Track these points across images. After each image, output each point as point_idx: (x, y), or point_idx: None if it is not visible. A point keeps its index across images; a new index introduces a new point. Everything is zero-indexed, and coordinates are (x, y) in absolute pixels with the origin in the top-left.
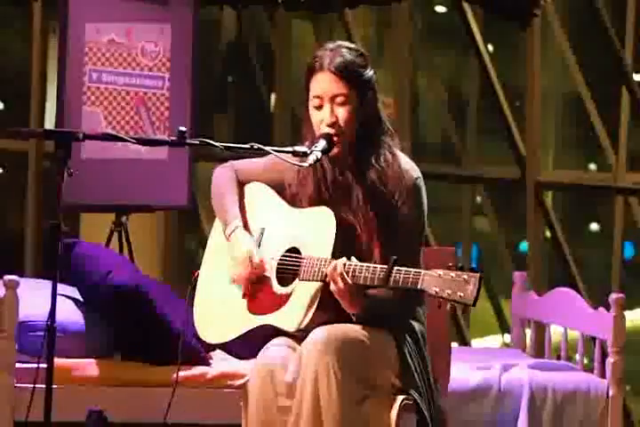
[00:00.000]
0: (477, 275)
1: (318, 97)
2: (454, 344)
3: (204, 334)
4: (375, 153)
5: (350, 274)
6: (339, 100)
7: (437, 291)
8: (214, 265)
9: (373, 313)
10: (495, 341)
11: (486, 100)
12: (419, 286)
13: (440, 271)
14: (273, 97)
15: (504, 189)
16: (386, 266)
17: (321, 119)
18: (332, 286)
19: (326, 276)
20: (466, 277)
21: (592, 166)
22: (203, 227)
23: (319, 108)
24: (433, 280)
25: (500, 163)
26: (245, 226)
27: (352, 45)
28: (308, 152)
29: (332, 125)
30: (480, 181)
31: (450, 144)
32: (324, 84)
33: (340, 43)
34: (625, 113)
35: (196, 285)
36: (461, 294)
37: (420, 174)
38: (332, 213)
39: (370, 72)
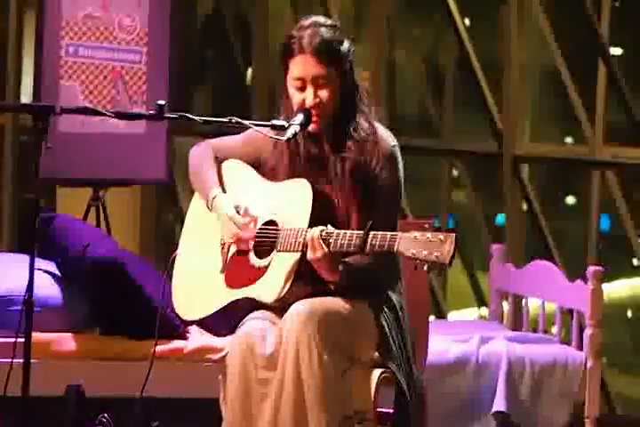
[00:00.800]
0: (453, 234)
1: (300, 79)
2: (431, 317)
3: (182, 311)
4: (352, 123)
5: (327, 241)
6: (321, 81)
7: (414, 253)
8: (192, 242)
9: (352, 281)
10: (472, 313)
11: (463, 73)
12: (395, 249)
13: (416, 233)
14: (250, 70)
15: (481, 161)
16: (361, 232)
17: (303, 99)
18: (310, 254)
19: (304, 246)
20: (442, 237)
21: (569, 139)
22: (180, 201)
23: (301, 89)
24: (409, 242)
25: (477, 136)
26: None
27: (327, 21)
28: (287, 126)
29: (314, 106)
30: (457, 154)
31: (428, 117)
32: (305, 66)
33: (314, 19)
34: (601, 86)
35: (173, 264)
36: (437, 255)
37: (396, 142)
38: (308, 184)
39: (346, 45)
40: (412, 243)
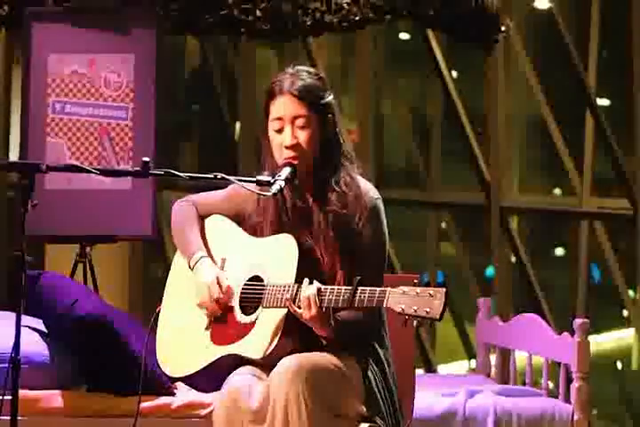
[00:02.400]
0: (443, 289)
1: (279, 119)
2: (420, 371)
3: (167, 367)
4: (335, 176)
5: (320, 297)
6: (299, 122)
7: (403, 308)
8: (176, 297)
9: (343, 336)
10: (461, 366)
11: (450, 126)
12: (384, 305)
13: (405, 288)
14: (238, 125)
15: (469, 213)
16: (350, 287)
17: (281, 142)
18: (305, 313)
19: (291, 302)
20: (431, 292)
21: (557, 191)
22: (169, 256)
23: (279, 131)
24: (398, 297)
25: (464, 188)
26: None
27: (311, 69)
28: (272, 181)
29: (291, 148)
30: (445, 206)
31: (415, 168)
32: (284, 106)
33: (298, 67)
34: (589, 137)
35: (157, 318)
36: (427, 310)
37: (379, 195)
38: (293, 239)
39: (329, 96)
40: (401, 298)
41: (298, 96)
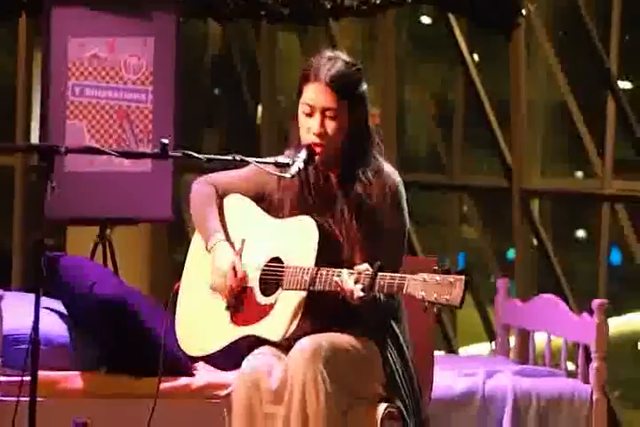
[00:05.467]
0: (463, 277)
1: (309, 105)
2: (441, 352)
3: (187, 347)
4: (363, 166)
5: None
6: (329, 113)
7: (424, 295)
8: (196, 277)
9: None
10: (483, 349)
11: (473, 110)
12: (404, 291)
13: (425, 275)
14: (260, 110)
15: (491, 197)
16: (370, 272)
17: (309, 127)
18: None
19: (310, 284)
20: (452, 279)
21: (578, 174)
22: (189, 238)
23: (309, 115)
24: (418, 284)
25: (486, 172)
26: (226, 239)
27: (349, 59)
28: (290, 163)
29: (319, 136)
30: (467, 189)
31: (437, 154)
32: (316, 94)
33: (338, 53)
34: (611, 120)
35: (176, 298)
36: (447, 297)
37: (400, 179)
38: (313, 222)
39: (364, 86)
40: (421, 285)
41: (331, 86)
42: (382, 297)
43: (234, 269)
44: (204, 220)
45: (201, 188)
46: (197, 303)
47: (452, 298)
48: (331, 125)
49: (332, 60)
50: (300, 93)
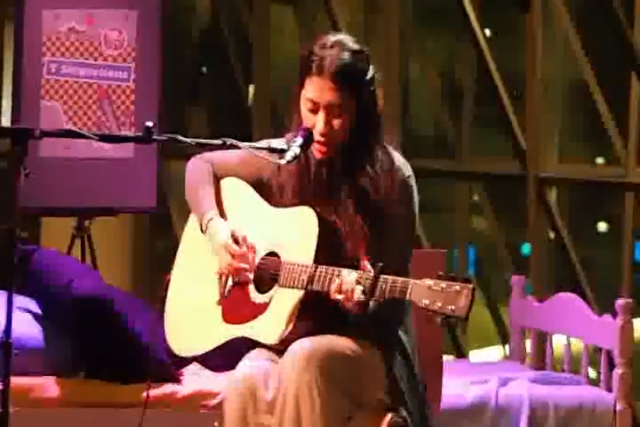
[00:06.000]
0: (470, 286)
1: (313, 101)
2: (450, 357)
3: (176, 346)
4: (370, 157)
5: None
6: (335, 110)
7: (427, 303)
8: (187, 269)
9: (368, 316)
10: (495, 353)
11: (483, 89)
12: (406, 298)
13: (430, 282)
14: (251, 88)
15: (503, 185)
16: (372, 273)
17: (313, 123)
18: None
19: (308, 283)
20: (458, 288)
21: (599, 160)
22: (175, 230)
23: (313, 111)
24: (422, 291)
25: (498, 157)
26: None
27: (354, 45)
28: (286, 148)
29: (323, 135)
30: (477, 176)
31: (444, 137)
32: (321, 90)
33: (341, 39)
34: (634, 101)
35: (167, 291)
36: (452, 308)
37: (411, 173)
38: (314, 214)
39: (370, 73)
40: (425, 292)
41: (336, 81)
42: (377, 307)
43: (233, 236)
44: (199, 196)
45: (198, 163)
46: (189, 298)
47: (458, 309)
48: (337, 123)
49: (337, 49)
50: (301, 83)
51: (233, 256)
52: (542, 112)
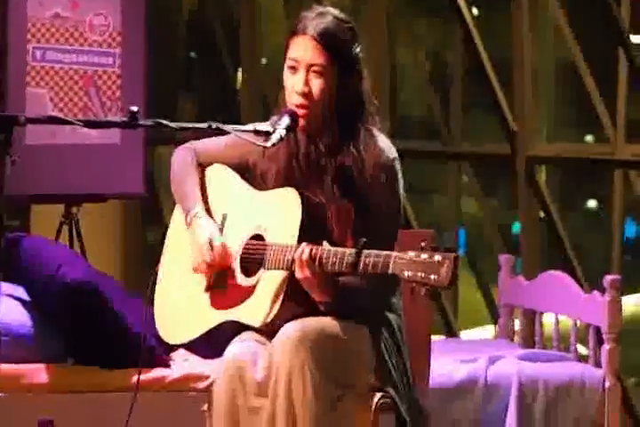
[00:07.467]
0: (452, 255)
1: (294, 60)
2: (441, 337)
3: (165, 334)
4: (354, 138)
5: (318, 259)
6: (315, 69)
7: (409, 275)
8: (175, 257)
9: (344, 303)
10: (486, 332)
11: (472, 71)
12: (389, 270)
13: (412, 253)
14: (240, 74)
15: (492, 165)
16: (354, 250)
17: (292, 85)
18: (299, 274)
19: (293, 263)
20: (439, 257)
21: (588, 138)
22: (164, 217)
23: (294, 70)
24: (404, 263)
25: (487, 138)
26: (208, 212)
27: (342, 16)
28: (271, 131)
29: (303, 95)
30: (466, 157)
31: (433, 118)
32: (302, 48)
33: (330, 9)
34: (622, 79)
35: (155, 282)
36: (435, 277)
37: (396, 155)
38: (297, 195)
39: (356, 48)
40: (407, 264)
41: (319, 41)
42: (361, 284)
43: (210, 242)
44: (183, 189)
45: (182, 154)
46: (177, 286)
47: (440, 278)
48: (316, 85)
49: (322, 15)
50: (286, 47)
51: (207, 260)
52: (531, 92)
